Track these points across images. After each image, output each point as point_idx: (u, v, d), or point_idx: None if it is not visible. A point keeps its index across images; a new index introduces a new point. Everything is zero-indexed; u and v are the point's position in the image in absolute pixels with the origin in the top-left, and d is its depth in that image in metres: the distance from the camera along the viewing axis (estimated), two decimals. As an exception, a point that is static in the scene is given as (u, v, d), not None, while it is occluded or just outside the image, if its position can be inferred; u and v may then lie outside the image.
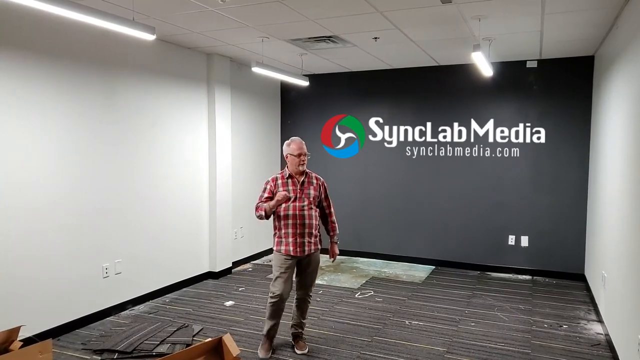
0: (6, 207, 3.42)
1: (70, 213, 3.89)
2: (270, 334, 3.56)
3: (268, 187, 3.47)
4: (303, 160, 3.45)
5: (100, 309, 4.18)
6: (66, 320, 3.88)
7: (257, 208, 3.42)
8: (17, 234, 3.49)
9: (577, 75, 5.45)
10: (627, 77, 3.42)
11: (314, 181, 3.55)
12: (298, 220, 3.40)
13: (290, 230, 3.41)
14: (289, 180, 3.46)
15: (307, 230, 3.43)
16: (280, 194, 3.35)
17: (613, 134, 3.96)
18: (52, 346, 2.93)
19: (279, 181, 3.47)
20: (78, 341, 3.73)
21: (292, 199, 3.41)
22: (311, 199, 3.48)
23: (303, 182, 3.48)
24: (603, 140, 4.50)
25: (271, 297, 3.45)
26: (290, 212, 3.40)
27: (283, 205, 3.39)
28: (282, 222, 3.42)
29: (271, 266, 3.63)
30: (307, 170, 3.54)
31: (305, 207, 3.43)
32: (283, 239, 3.43)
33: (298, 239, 3.41)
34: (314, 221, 3.47)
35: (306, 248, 3.44)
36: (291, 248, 3.41)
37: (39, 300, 3.66)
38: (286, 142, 3.54)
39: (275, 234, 3.48)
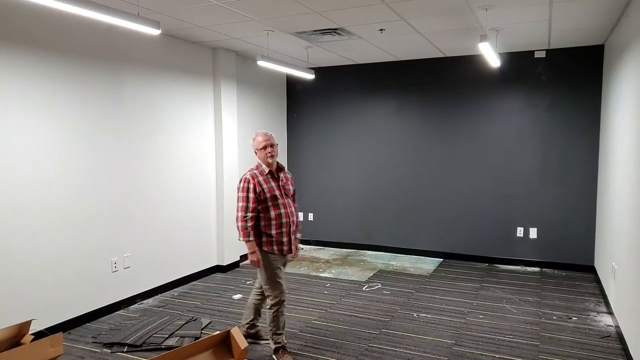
0: (16, 204, 3.45)
1: (78, 208, 3.92)
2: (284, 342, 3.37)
3: (251, 186, 3.17)
4: (270, 152, 3.24)
5: (109, 303, 4.22)
6: (76, 314, 3.92)
7: (243, 228, 3.13)
8: (27, 230, 3.52)
9: (587, 65, 5.37)
10: (638, 66, 3.36)
11: (288, 175, 3.45)
12: (290, 218, 3.28)
13: (284, 230, 3.25)
14: (269, 177, 3.26)
15: (293, 228, 3.34)
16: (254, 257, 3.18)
17: (623, 124, 3.90)
18: (62, 339, 2.96)
19: (260, 178, 3.22)
20: (88, 335, 3.77)
21: (277, 197, 3.24)
22: (291, 194, 3.41)
23: (281, 177, 3.33)
24: (613, 130, 4.44)
25: (277, 304, 3.27)
26: (282, 211, 3.24)
27: (271, 203, 3.21)
28: (274, 222, 3.22)
29: None
30: (280, 164, 3.40)
31: (291, 204, 3.36)
32: (274, 239, 3.24)
33: (292, 237, 3.33)
34: (297, 217, 3.41)
35: (293, 246, 3.36)
36: (285, 248, 3.28)
37: (50, 294, 3.70)
38: (251, 138, 3.35)
39: (262, 234, 3.25)
